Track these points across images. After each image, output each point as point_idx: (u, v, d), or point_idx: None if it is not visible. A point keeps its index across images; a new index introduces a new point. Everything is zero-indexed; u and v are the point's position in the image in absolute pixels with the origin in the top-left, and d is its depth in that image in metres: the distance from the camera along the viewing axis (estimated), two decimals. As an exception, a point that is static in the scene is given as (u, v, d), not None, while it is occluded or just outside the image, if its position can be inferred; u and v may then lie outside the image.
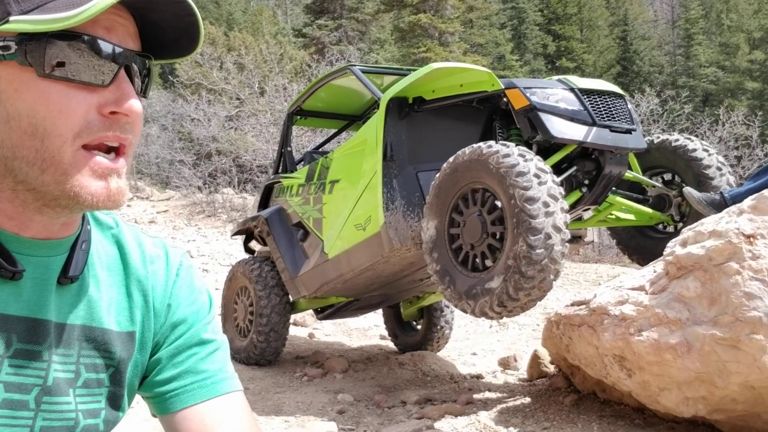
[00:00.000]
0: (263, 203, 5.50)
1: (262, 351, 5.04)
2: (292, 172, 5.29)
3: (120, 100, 0.76)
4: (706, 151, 4.04)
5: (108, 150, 0.77)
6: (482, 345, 6.65)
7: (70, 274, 0.81)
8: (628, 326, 2.88)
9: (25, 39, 0.72)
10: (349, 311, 5.63)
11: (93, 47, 0.74)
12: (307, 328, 7.18)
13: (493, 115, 4.09)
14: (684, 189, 3.61)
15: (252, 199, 14.97)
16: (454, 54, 31.05)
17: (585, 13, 45.35)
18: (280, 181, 5.28)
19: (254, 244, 5.90)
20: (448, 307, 5.90)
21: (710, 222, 2.96)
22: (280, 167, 5.52)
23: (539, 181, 3.08)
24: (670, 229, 4.30)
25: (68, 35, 0.74)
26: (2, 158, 0.75)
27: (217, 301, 1.02)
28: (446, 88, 3.97)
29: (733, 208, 2.93)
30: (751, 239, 2.68)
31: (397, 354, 5.99)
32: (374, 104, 5.60)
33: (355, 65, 4.77)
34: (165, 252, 0.97)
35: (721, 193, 3.38)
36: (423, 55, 30.63)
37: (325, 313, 5.62)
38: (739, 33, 40.36)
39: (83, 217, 0.88)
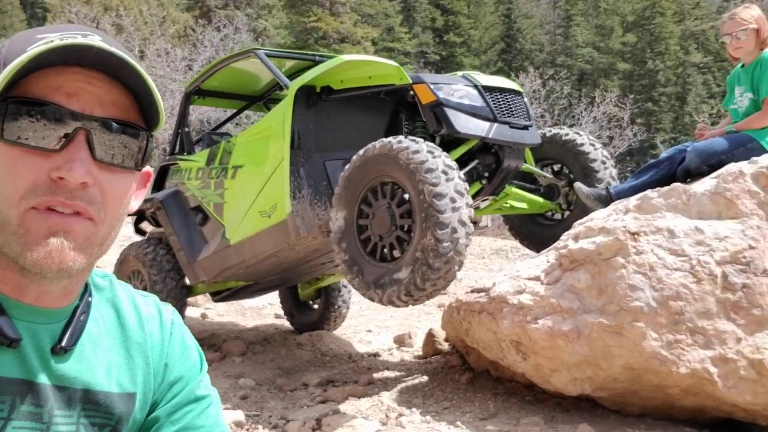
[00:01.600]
0: (157, 185, 5.33)
1: (158, 336, 4.94)
2: (189, 153, 5.16)
3: (64, 165, 0.75)
4: (593, 145, 4.35)
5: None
6: (376, 322, 6.84)
7: (63, 345, 0.82)
8: (526, 314, 3.11)
9: None
10: (246, 293, 5.62)
11: (45, 113, 0.75)
12: (199, 309, 7.06)
13: (399, 107, 4.19)
14: (575, 184, 3.88)
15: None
16: (345, 24, 30.91)
17: (472, -11, 46.29)
18: (176, 163, 5.14)
19: (145, 225, 5.72)
20: (345, 287, 6.01)
21: (599, 218, 3.22)
22: (176, 148, 5.36)
23: (447, 178, 3.22)
24: (558, 216, 4.61)
25: (23, 101, 0.75)
26: None
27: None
28: (355, 79, 4.01)
29: (620, 206, 3.20)
30: (636, 236, 2.95)
31: (295, 334, 6.04)
32: (275, 86, 5.56)
33: (259, 48, 4.70)
34: (158, 311, 0.99)
35: (607, 188, 3.68)
36: (313, 24, 30.28)
37: (221, 295, 5.58)
38: (614, 16, 42.77)
39: (85, 288, 0.88)
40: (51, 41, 0.77)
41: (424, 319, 6.63)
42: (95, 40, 0.79)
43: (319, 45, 31.61)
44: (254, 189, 4.26)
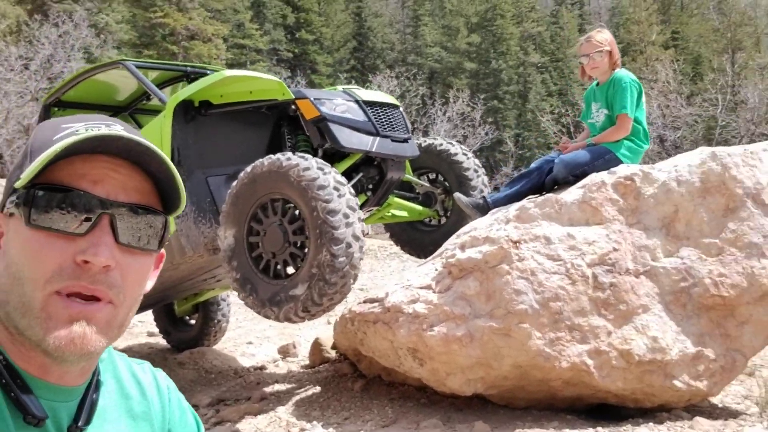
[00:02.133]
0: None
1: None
2: (52, 169, 4.84)
3: (89, 249, 0.78)
4: (465, 155, 4.62)
5: (86, 299, 0.79)
6: (255, 332, 6.77)
7: (80, 424, 0.84)
8: (421, 323, 3.26)
9: (19, 191, 0.80)
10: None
11: (70, 198, 0.79)
12: (63, 331, 6.63)
13: (280, 121, 4.20)
14: (454, 194, 4.10)
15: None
16: (194, 21, 29.89)
17: (322, -14, 46.43)
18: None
19: None
20: (224, 300, 5.92)
21: (482, 228, 3.45)
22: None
23: (339, 194, 3.30)
24: (435, 222, 4.84)
25: (51, 187, 0.79)
26: (3, 304, 0.79)
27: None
28: (235, 93, 3.98)
29: (501, 216, 3.44)
30: (517, 244, 3.20)
31: (173, 352, 5.86)
32: (142, 96, 5.35)
33: (128, 60, 4.51)
34: (154, 378, 1.01)
35: (484, 197, 3.93)
36: (160, 20, 29.01)
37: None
38: (458, 17, 44.78)
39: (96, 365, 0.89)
40: (77, 131, 0.80)
41: (304, 327, 6.65)
42: (119, 129, 0.83)
43: (167, 42, 30.36)
44: (132, 208, 4.09)
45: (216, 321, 5.86)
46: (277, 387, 4.56)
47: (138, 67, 4.51)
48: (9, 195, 0.82)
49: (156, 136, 3.98)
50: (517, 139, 35.28)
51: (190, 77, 4.93)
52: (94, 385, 0.88)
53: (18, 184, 0.79)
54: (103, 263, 0.78)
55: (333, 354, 4.93)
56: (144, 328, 7.07)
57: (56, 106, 5.09)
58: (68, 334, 0.77)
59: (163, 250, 0.92)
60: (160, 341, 6.39)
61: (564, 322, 3.08)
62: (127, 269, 0.82)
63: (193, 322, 6.08)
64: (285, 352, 5.64)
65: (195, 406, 4.31)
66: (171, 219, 0.92)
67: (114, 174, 0.82)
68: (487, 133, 17.89)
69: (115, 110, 5.54)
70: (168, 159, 0.83)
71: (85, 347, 0.78)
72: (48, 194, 0.78)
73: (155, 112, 5.53)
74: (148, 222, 0.84)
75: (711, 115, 16.31)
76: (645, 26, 36.38)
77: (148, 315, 6.66)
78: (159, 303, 5.50)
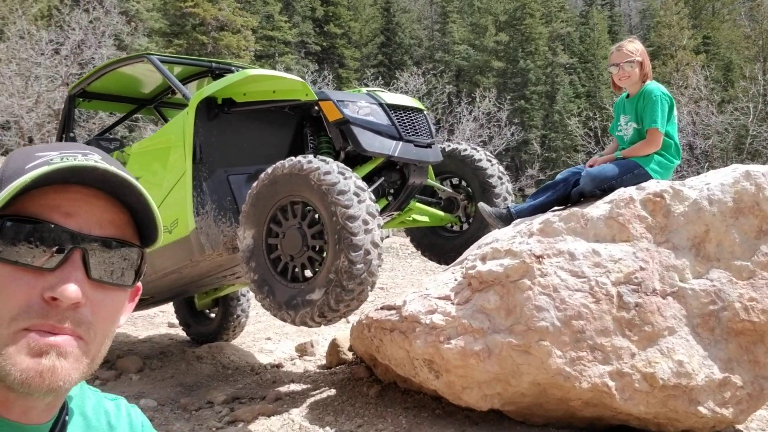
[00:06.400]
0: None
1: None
2: (76, 161, 4.86)
3: (57, 285, 0.74)
4: (490, 161, 4.54)
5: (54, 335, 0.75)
6: (274, 328, 6.77)
7: None
8: (438, 335, 3.20)
9: None
10: (141, 307, 5.40)
11: (40, 231, 0.75)
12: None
13: (303, 122, 4.16)
14: (478, 204, 4.02)
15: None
16: (224, 12, 30.04)
17: (352, -19, 46.43)
18: (62, 172, 4.82)
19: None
20: (244, 295, 5.91)
21: (504, 240, 3.37)
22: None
23: (359, 200, 3.25)
24: (457, 228, 4.77)
25: (20, 219, 0.75)
26: None
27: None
28: (258, 92, 3.94)
29: (524, 229, 3.37)
30: (540, 259, 3.12)
31: (192, 345, 5.87)
32: (167, 89, 5.35)
33: (152, 54, 4.50)
34: (128, 414, 0.98)
35: (507, 208, 3.84)
36: (191, 9, 29.19)
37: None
38: (487, 15, 44.48)
39: (64, 402, 0.86)
40: (51, 159, 0.76)
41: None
42: (96, 159, 0.79)
43: (197, 32, 30.54)
44: (152, 203, 4.08)
45: (235, 316, 5.86)
46: (293, 387, 4.53)
47: (162, 61, 4.50)
48: None
49: (179, 132, 3.96)
50: (544, 140, 34.95)
51: (215, 73, 4.92)
52: (60, 424, 0.84)
53: None
54: (72, 300, 0.74)
55: (350, 356, 4.89)
56: (164, 318, 7.11)
57: (81, 96, 5.11)
58: (36, 367, 0.73)
59: (139, 284, 0.88)
60: (180, 333, 6.41)
61: (586, 341, 3.00)
62: (99, 305, 0.78)
63: (213, 315, 6.09)
64: (302, 350, 5.62)
65: (209, 403, 4.31)
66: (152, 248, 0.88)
67: (87, 206, 0.78)
68: (513, 134, 17.71)
69: (140, 102, 5.56)
70: (145, 191, 0.80)
71: (55, 381, 0.74)
72: (16, 226, 0.74)
73: (181, 105, 5.54)
74: (123, 255, 0.80)
75: (742, 124, 15.97)
76: (676, 30, 35.78)
77: (169, 306, 6.69)
78: (178, 296, 5.50)
